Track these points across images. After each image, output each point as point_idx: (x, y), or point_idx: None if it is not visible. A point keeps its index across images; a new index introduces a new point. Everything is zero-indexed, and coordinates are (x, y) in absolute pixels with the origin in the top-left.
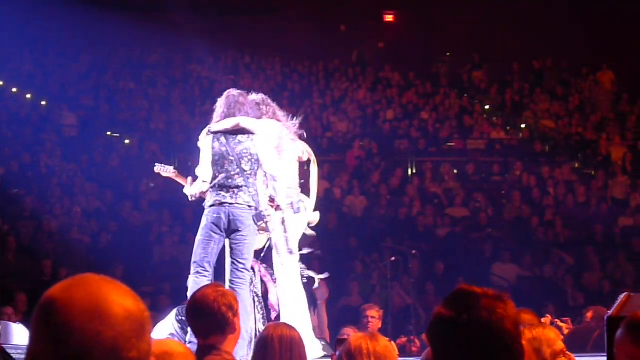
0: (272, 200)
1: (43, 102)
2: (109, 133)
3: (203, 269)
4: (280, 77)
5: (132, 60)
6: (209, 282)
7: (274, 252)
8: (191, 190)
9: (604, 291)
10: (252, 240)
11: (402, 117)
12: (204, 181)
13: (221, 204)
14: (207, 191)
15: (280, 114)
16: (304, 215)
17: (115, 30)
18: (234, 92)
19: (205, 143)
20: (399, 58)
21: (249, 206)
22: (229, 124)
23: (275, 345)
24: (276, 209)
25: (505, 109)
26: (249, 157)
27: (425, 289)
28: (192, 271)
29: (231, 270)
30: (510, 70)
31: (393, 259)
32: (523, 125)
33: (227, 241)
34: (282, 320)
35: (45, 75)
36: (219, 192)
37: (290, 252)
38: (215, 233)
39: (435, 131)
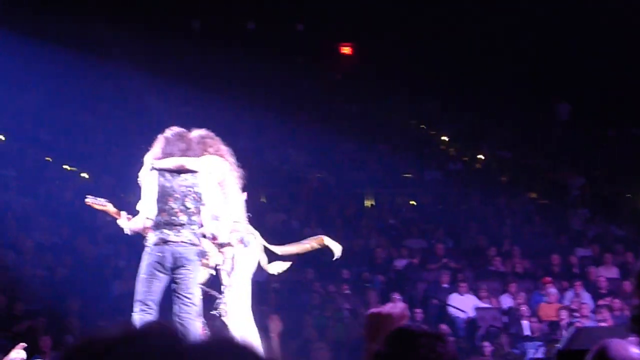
0: (214, 238)
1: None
2: (65, 167)
3: (147, 306)
4: (237, 109)
5: (88, 94)
6: (153, 319)
7: (224, 285)
8: (132, 224)
9: (561, 322)
10: (197, 274)
11: (359, 148)
12: (147, 217)
13: (165, 242)
14: (149, 227)
15: (224, 148)
16: (254, 247)
17: (71, 64)
18: (175, 129)
19: (150, 179)
20: (356, 90)
21: (193, 244)
22: (172, 163)
23: None
24: (224, 246)
25: (462, 139)
26: (194, 196)
27: None
28: (136, 309)
29: (178, 305)
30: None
31: (347, 291)
32: (481, 156)
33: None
34: None
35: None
36: (162, 229)
37: (240, 286)
38: (159, 271)
39: (392, 162)
